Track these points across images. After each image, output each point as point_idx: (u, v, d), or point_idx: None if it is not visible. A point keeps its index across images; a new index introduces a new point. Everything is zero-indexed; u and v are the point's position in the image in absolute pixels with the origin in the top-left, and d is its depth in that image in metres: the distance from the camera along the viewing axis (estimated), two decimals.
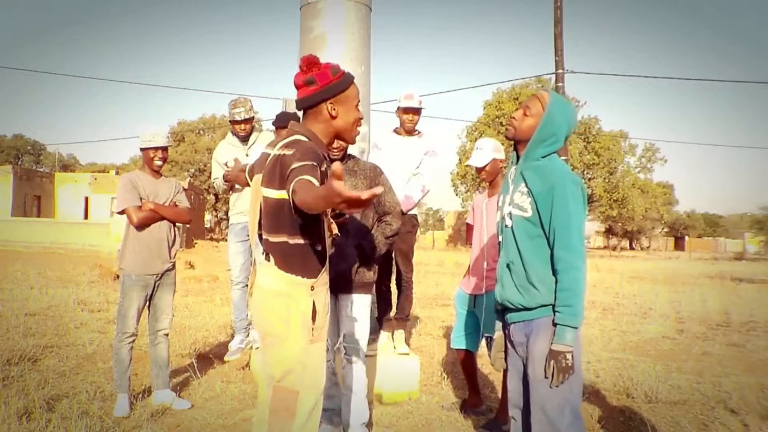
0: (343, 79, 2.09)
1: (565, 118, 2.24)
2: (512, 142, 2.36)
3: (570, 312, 2.08)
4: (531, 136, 2.24)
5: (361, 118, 2.18)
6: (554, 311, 2.12)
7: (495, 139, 3.89)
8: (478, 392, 4.04)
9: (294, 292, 2.04)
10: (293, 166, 1.91)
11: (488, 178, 3.74)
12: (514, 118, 2.31)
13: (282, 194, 1.98)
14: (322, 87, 2.05)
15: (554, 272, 2.14)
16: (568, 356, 2.07)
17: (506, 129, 2.38)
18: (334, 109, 2.08)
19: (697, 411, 4.04)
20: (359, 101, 2.18)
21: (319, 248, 2.08)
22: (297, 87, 2.10)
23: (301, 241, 2.03)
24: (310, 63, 2.06)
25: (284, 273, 2.04)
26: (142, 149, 3.89)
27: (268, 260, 2.09)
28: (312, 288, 2.06)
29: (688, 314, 9.12)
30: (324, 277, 2.12)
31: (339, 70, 2.09)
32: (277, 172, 1.99)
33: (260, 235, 2.16)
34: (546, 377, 2.10)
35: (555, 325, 2.10)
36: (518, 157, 2.33)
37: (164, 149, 3.90)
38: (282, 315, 2.03)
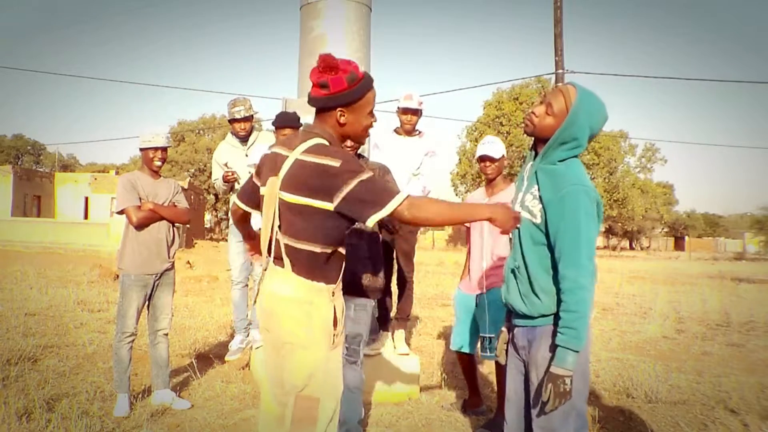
0: (359, 87, 2.00)
1: (590, 120, 2.05)
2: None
3: (574, 335, 1.94)
4: (550, 136, 2.06)
5: (373, 124, 2.13)
6: (556, 328, 2.00)
7: (500, 140, 3.89)
8: (478, 392, 4.04)
9: (315, 299, 1.99)
10: (358, 179, 1.88)
11: (493, 174, 3.71)
12: (534, 113, 2.13)
13: (321, 204, 1.92)
14: (333, 94, 1.99)
15: (559, 290, 2.01)
16: (567, 381, 1.94)
17: (524, 124, 2.20)
18: (343, 116, 2.02)
19: (697, 411, 4.04)
20: (373, 106, 2.09)
21: (342, 253, 2.07)
22: (312, 83, 2.02)
23: (329, 250, 2.00)
24: (327, 66, 1.97)
25: (304, 279, 1.98)
26: (141, 149, 3.89)
27: (282, 266, 2.01)
28: (333, 294, 2.04)
29: (688, 314, 9.12)
30: (340, 282, 2.09)
31: (356, 77, 2.00)
32: (312, 180, 1.91)
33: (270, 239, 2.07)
34: (543, 401, 2.00)
35: (556, 346, 1.97)
36: (536, 154, 2.16)
37: (164, 149, 3.89)
38: (304, 323, 1.98)
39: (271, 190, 2.01)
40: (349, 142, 2.34)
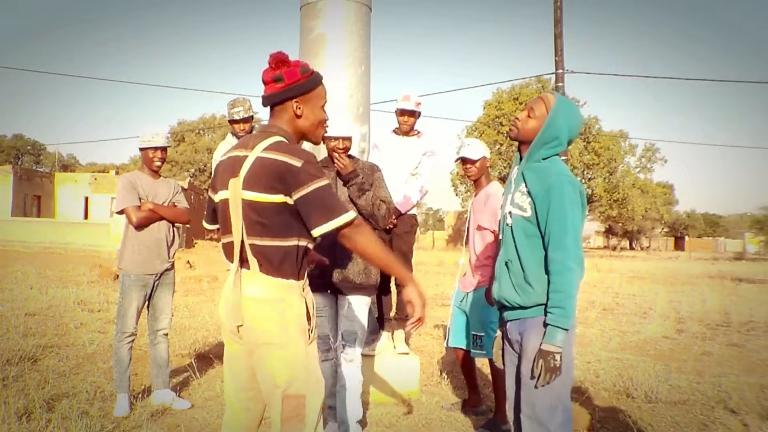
0: (311, 78, 2.07)
1: (568, 121, 2.26)
2: (510, 143, 2.41)
3: (562, 314, 2.10)
4: (533, 138, 2.27)
5: (326, 120, 2.16)
6: (546, 312, 2.15)
7: (482, 142, 3.95)
8: (477, 392, 4.04)
9: (287, 297, 1.98)
10: (316, 185, 1.91)
11: (475, 175, 3.77)
12: (518, 118, 2.35)
13: (284, 199, 1.93)
14: (289, 85, 2.03)
15: (547, 273, 2.16)
16: (557, 357, 2.09)
17: (509, 129, 2.40)
18: (300, 108, 2.05)
19: (697, 411, 4.04)
20: (326, 102, 2.14)
21: (311, 247, 2.07)
22: (264, 83, 2.07)
23: (295, 243, 1.99)
24: (278, 60, 2.03)
25: (273, 278, 1.97)
26: (141, 149, 3.89)
27: (248, 268, 1.98)
28: (303, 289, 2.04)
29: (688, 314, 9.12)
30: (307, 278, 2.09)
31: (308, 69, 2.07)
32: (272, 176, 1.92)
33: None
34: (533, 377, 2.13)
35: (546, 325, 2.13)
36: (521, 158, 2.36)
37: (163, 149, 3.90)
38: (278, 321, 1.96)
39: (234, 191, 2.00)
40: (306, 144, 2.29)
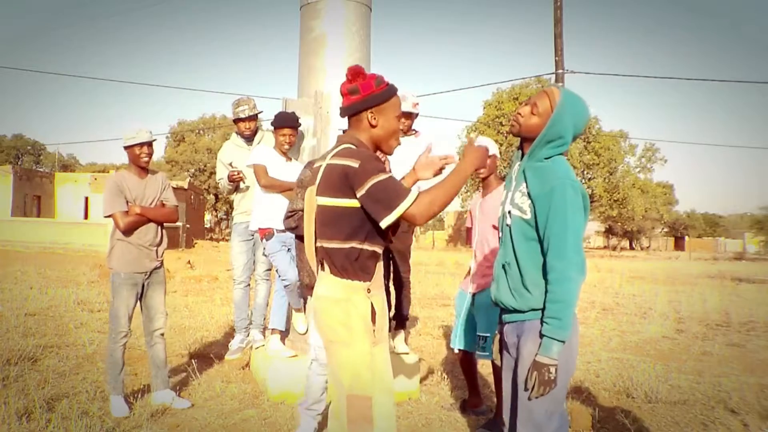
0: (386, 90, 2.16)
1: (574, 119, 2.11)
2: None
3: (559, 325, 1.99)
4: (536, 135, 2.13)
5: (400, 130, 2.24)
6: (542, 321, 2.04)
7: (492, 139, 3.89)
8: (478, 392, 4.04)
9: (352, 297, 2.08)
10: (374, 180, 1.98)
11: (483, 174, 3.73)
12: (520, 114, 2.20)
13: (347, 202, 2.04)
14: (364, 97, 2.13)
15: (546, 281, 2.05)
16: (552, 370, 1.99)
17: (510, 125, 2.26)
18: (375, 119, 2.15)
19: (697, 411, 4.04)
20: (400, 112, 2.22)
21: (374, 251, 2.13)
22: (342, 95, 2.18)
23: (358, 246, 2.08)
24: (354, 73, 2.14)
25: (340, 279, 2.09)
26: (127, 147, 3.82)
27: (323, 269, 2.14)
28: (368, 291, 2.11)
29: (688, 314, 9.12)
30: (378, 279, 2.16)
31: (383, 81, 2.16)
32: (337, 180, 2.04)
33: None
34: (526, 389, 2.05)
35: (542, 336, 2.03)
36: (523, 155, 2.23)
37: (149, 144, 3.84)
38: (343, 320, 2.07)
39: (310, 199, 2.17)
40: (380, 155, 2.38)
